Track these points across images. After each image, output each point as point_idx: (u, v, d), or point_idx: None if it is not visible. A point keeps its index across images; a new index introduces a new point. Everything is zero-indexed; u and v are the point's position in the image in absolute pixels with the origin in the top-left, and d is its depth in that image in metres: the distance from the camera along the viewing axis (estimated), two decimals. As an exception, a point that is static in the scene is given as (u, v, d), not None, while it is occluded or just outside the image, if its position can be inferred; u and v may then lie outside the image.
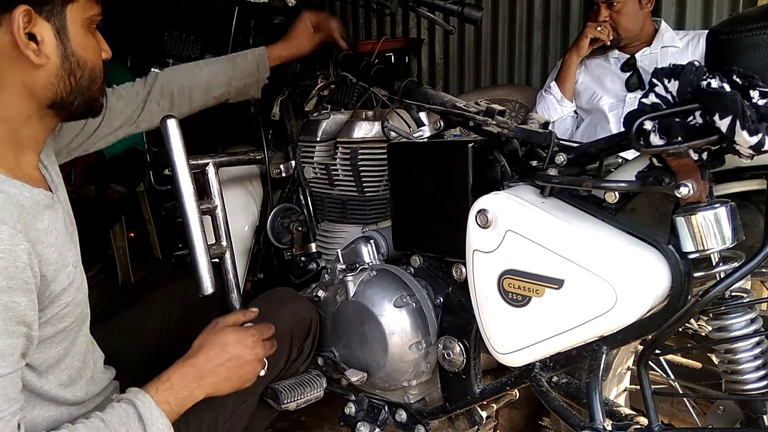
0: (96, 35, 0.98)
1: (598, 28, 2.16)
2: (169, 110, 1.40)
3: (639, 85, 2.18)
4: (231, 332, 1.13)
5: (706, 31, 2.11)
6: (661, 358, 1.31)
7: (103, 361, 1.16)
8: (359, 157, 1.45)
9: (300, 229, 1.62)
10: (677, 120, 0.82)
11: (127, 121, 1.38)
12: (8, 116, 0.91)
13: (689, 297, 0.94)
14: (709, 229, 0.89)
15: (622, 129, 0.90)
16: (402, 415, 1.42)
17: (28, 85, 0.91)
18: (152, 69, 1.67)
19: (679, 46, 2.16)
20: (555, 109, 2.30)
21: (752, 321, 0.97)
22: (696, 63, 0.84)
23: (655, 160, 0.90)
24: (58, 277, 0.91)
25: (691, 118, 0.82)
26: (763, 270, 1.00)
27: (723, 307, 0.97)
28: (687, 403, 1.41)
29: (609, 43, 2.18)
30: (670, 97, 0.84)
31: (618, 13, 2.14)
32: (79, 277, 0.98)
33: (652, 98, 0.86)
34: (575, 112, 2.35)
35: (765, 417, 0.99)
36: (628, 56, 2.22)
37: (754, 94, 0.80)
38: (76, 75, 0.94)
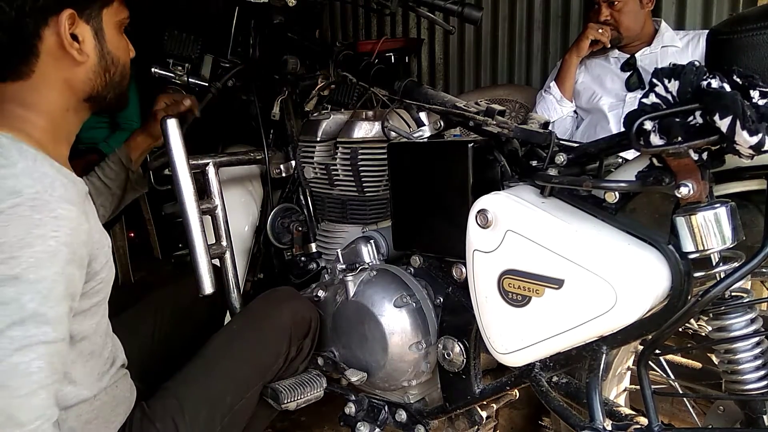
0: (124, 36, 1.10)
1: (599, 30, 2.16)
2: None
3: (639, 85, 2.18)
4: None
5: (706, 31, 2.12)
6: (661, 358, 1.31)
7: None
8: (359, 157, 1.45)
9: (300, 229, 1.62)
10: (677, 120, 0.82)
11: None
12: (50, 109, 0.99)
13: (689, 297, 0.94)
14: (709, 229, 0.89)
15: (622, 129, 0.90)
16: (402, 415, 1.42)
17: (68, 81, 1.00)
18: (152, 69, 1.67)
19: (679, 46, 2.16)
20: (555, 109, 2.30)
21: (752, 321, 0.97)
22: (696, 63, 0.84)
23: (655, 160, 0.90)
24: (99, 256, 0.99)
25: (691, 118, 0.82)
26: (763, 270, 1.00)
27: (723, 307, 0.97)
28: (687, 403, 1.41)
29: (609, 44, 2.18)
30: (670, 97, 0.84)
31: (619, 12, 2.14)
32: (110, 256, 1.06)
33: (652, 98, 0.86)
34: (575, 112, 2.35)
35: (765, 417, 0.99)
36: (628, 56, 2.22)
37: (755, 94, 0.80)
38: (110, 71, 1.05)
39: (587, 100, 2.28)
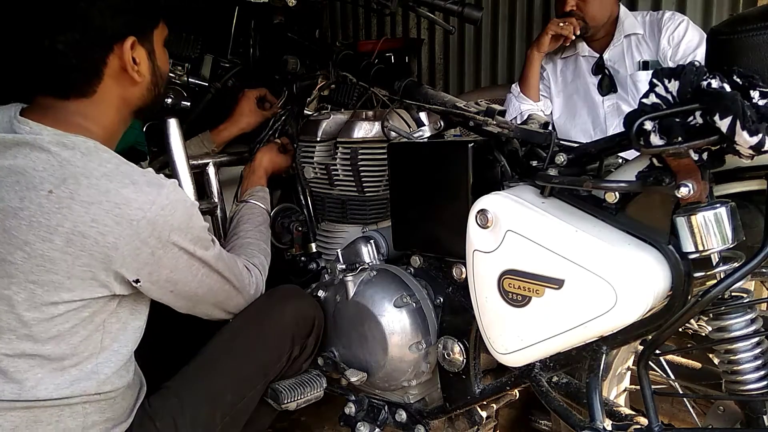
0: (164, 49, 1.19)
1: (561, 24, 2.10)
2: None
3: (611, 88, 2.15)
4: (261, 153, 1.60)
5: (668, 12, 2.11)
6: (661, 358, 1.31)
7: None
8: (359, 157, 1.45)
9: (300, 229, 1.62)
10: (677, 120, 0.82)
11: None
12: (107, 123, 1.10)
13: (689, 297, 0.94)
14: (709, 230, 0.89)
15: (621, 129, 0.90)
16: (402, 415, 1.42)
17: (125, 98, 1.11)
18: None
19: (641, 32, 2.12)
20: (513, 106, 2.23)
21: (752, 321, 0.97)
22: (696, 63, 0.84)
23: (655, 161, 0.90)
24: None
25: (691, 118, 0.82)
26: (763, 270, 1.00)
27: (723, 308, 0.97)
28: (687, 403, 1.41)
29: (573, 37, 2.12)
30: (670, 98, 0.84)
31: (584, 2, 2.09)
32: None
33: (652, 98, 0.86)
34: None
35: (765, 417, 0.99)
36: (597, 56, 2.18)
37: (755, 95, 0.80)
38: (158, 86, 1.16)
39: (565, 106, 2.27)
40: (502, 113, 1.23)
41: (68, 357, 1.03)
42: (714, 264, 0.92)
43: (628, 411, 1.08)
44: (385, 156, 1.36)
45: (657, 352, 1.04)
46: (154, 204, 1.01)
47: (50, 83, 1.05)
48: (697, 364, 1.34)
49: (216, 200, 1.44)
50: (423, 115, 1.42)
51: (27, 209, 0.97)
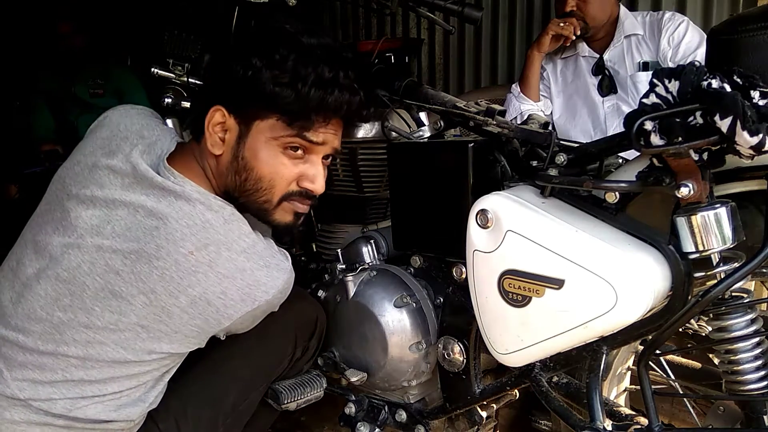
0: (305, 163, 1.11)
1: (561, 25, 2.11)
2: None
3: (611, 89, 2.16)
4: None
5: (668, 12, 2.11)
6: (661, 358, 1.31)
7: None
8: (359, 157, 1.45)
9: (300, 229, 1.61)
10: (678, 120, 0.82)
11: None
12: (208, 175, 1.11)
13: (689, 297, 0.94)
14: (710, 230, 0.89)
15: (621, 129, 0.90)
16: (402, 415, 1.42)
17: (206, 169, 1.10)
18: (152, 69, 1.67)
19: (641, 32, 2.12)
20: (513, 106, 2.24)
21: (752, 321, 0.97)
22: (696, 63, 0.84)
23: (655, 161, 0.90)
24: None
25: (691, 118, 0.82)
26: (764, 270, 1.00)
27: (723, 308, 0.96)
28: (687, 403, 1.41)
29: (573, 37, 2.13)
30: (670, 98, 0.84)
31: (585, 2, 2.10)
32: None
33: (652, 98, 0.86)
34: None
35: (765, 417, 0.99)
36: (597, 57, 2.19)
37: (755, 95, 0.80)
38: (240, 175, 1.08)
39: (565, 106, 2.27)
40: (502, 113, 1.23)
41: (127, 389, 1.08)
42: (714, 264, 0.92)
43: (628, 411, 1.08)
44: (385, 156, 1.36)
45: (657, 352, 1.04)
46: (276, 288, 1.08)
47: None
48: (697, 364, 1.34)
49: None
50: (423, 115, 1.42)
51: (163, 260, 0.99)
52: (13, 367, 1.04)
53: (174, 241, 0.99)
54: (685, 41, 2.03)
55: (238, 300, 1.04)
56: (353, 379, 1.35)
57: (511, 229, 1.01)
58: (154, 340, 1.04)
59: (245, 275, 1.03)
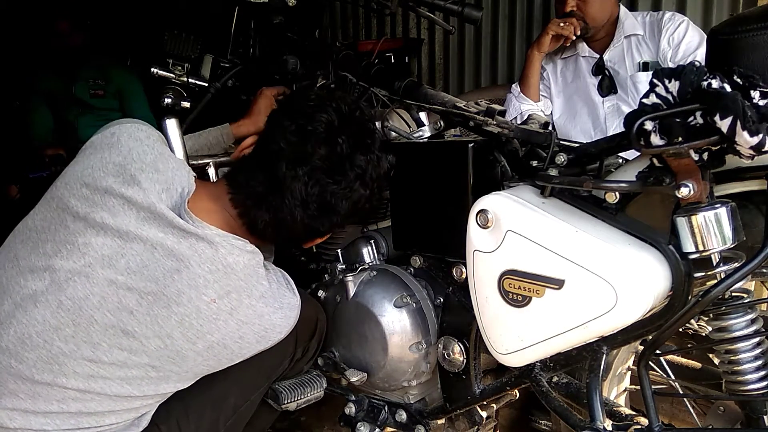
0: None
1: (561, 25, 2.11)
2: None
3: (611, 89, 2.15)
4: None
5: (668, 12, 2.11)
6: (662, 358, 1.31)
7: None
8: (359, 157, 1.45)
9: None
10: (678, 120, 0.82)
11: None
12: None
13: (690, 297, 0.94)
14: (710, 230, 0.89)
15: (621, 129, 0.90)
16: (402, 416, 1.42)
17: (228, 209, 1.10)
18: (152, 69, 1.67)
19: (641, 33, 2.12)
20: (513, 106, 2.24)
21: (752, 321, 0.97)
22: (697, 63, 0.84)
23: (655, 161, 0.90)
24: None
25: (691, 118, 0.82)
26: (764, 270, 1.00)
27: (723, 308, 0.97)
28: (687, 403, 1.41)
29: (574, 37, 2.13)
30: (670, 98, 0.84)
31: (585, 2, 2.10)
32: None
33: (652, 98, 0.86)
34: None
35: (765, 417, 0.99)
36: (597, 57, 2.19)
37: (755, 95, 0.80)
38: None
39: (565, 106, 2.27)
40: (502, 113, 1.23)
41: (124, 420, 1.08)
42: (714, 264, 0.92)
43: (628, 411, 1.08)
44: (385, 156, 1.35)
45: (657, 352, 1.04)
46: (288, 327, 1.12)
47: None
48: (697, 364, 1.34)
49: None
50: (423, 115, 1.42)
51: (184, 307, 0.97)
52: (3, 394, 0.99)
53: (196, 287, 0.97)
54: (685, 41, 2.03)
55: (253, 342, 1.06)
56: (353, 379, 1.34)
57: (511, 229, 1.01)
58: (163, 380, 1.03)
59: (263, 320, 1.05)
